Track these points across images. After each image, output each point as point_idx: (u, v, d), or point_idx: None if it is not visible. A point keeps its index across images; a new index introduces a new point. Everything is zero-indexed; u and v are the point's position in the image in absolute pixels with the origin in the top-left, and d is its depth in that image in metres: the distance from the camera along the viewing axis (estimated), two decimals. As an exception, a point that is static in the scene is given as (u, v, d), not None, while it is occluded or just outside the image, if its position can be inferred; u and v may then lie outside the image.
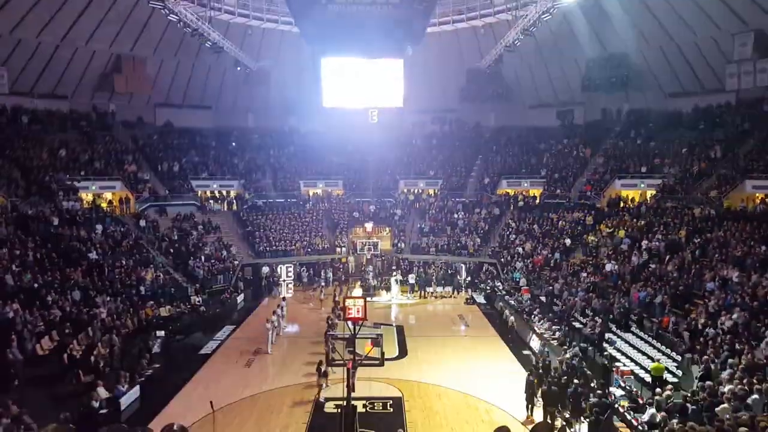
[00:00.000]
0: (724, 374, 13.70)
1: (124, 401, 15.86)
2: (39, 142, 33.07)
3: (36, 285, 21.11)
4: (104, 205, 32.04)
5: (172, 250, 30.78)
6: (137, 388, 16.71)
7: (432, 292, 30.76)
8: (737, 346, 14.93)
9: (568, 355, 17.36)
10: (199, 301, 26.32)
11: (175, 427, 5.00)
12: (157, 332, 21.95)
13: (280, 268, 33.10)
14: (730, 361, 14.30)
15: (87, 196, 32.28)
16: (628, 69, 36.42)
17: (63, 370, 17.01)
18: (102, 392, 15.23)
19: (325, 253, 35.40)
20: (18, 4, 29.52)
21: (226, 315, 26.38)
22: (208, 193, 38.85)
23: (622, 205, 32.41)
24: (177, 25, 28.13)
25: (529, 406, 15.15)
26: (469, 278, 31.93)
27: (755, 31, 29.75)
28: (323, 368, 16.52)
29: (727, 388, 12.62)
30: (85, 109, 37.90)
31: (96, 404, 14.70)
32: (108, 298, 22.57)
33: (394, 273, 31.64)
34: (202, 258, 30.79)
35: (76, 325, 19.43)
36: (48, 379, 16.56)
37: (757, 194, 26.89)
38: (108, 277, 24.54)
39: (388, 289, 30.61)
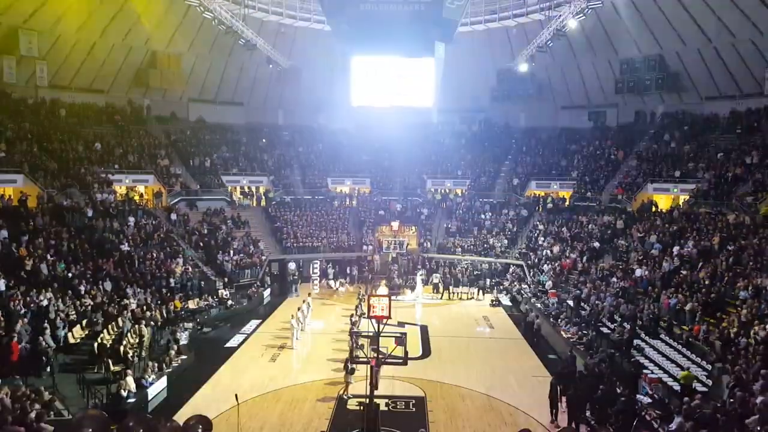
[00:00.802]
0: (756, 385, 13.34)
1: (152, 391, 16.23)
2: (75, 134, 33.96)
3: (69, 274, 21.68)
4: (137, 197, 32.69)
5: (201, 244, 31.28)
6: (164, 378, 17.06)
7: (457, 293, 30.64)
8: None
9: (595, 361, 17.12)
10: (226, 295, 26.73)
11: (196, 420, 5.09)
12: (185, 324, 22.37)
13: (311, 264, 33.32)
14: (762, 371, 13.92)
15: (120, 189, 33.05)
16: (663, 71, 35.82)
17: (93, 358, 17.45)
18: (130, 382, 15.58)
19: (351, 250, 35.56)
20: (58, 2, 30.34)
21: (252, 309, 26.71)
22: (238, 189, 39.39)
23: (654, 209, 31.77)
24: (212, 22, 28.51)
25: (554, 411, 14.99)
26: (495, 280, 31.69)
27: (797, 33, 28.93)
28: (350, 366, 16.59)
29: (758, 399, 12.30)
30: (120, 103, 38.77)
31: (124, 393, 15.08)
32: (138, 290, 23.06)
33: (420, 272, 31.56)
34: (231, 252, 31.21)
35: (106, 315, 19.90)
36: (79, 367, 17.00)
37: (795, 201, 26.08)
38: (139, 269, 25.07)
39: (412, 288, 30.57)
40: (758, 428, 10.49)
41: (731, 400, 13.03)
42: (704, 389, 15.19)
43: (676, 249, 24.78)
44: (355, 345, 17.75)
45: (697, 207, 29.17)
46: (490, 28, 35.80)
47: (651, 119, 39.81)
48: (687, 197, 31.21)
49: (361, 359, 15.02)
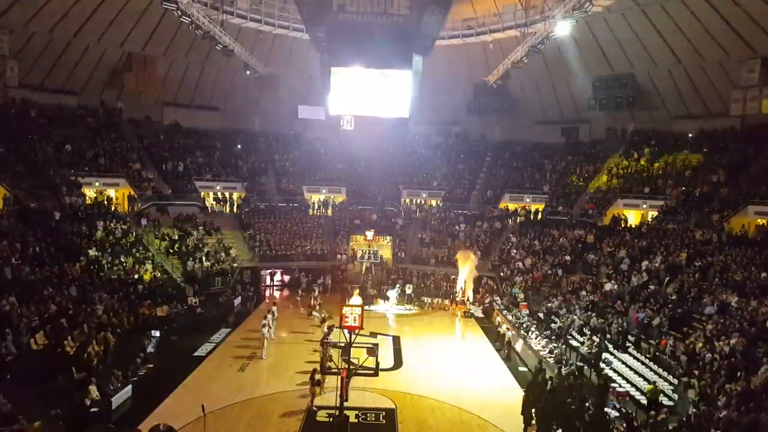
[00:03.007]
0: (721, 400, 13.62)
1: (116, 400, 15.83)
2: (45, 136, 33.18)
3: (33, 278, 21.10)
4: (105, 202, 32.03)
5: (171, 250, 30.78)
6: (129, 387, 16.69)
7: (430, 304, 30.68)
8: (735, 372, 14.84)
9: (564, 373, 17.28)
10: (196, 303, 26.30)
11: (161, 428, 4.96)
12: (153, 332, 21.93)
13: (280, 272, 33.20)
14: (726, 386, 14.22)
15: (90, 192, 32.38)
16: (634, 89, 36.66)
17: (56, 366, 16.96)
18: (94, 390, 15.19)
19: (325, 259, 35.38)
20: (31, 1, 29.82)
21: (222, 317, 26.30)
22: (211, 195, 38.93)
23: (623, 224, 32.38)
24: (189, 27, 28.27)
25: (525, 425, 15.03)
26: (468, 292, 31.84)
27: (763, 58, 29.84)
28: (317, 377, 16.45)
29: (722, 414, 12.56)
30: (93, 105, 38.07)
31: (87, 402, 14.68)
32: (105, 296, 22.53)
33: (394, 283, 31.52)
34: (202, 259, 30.78)
35: (71, 322, 19.39)
36: (41, 375, 16.46)
37: (759, 220, 26.85)
38: (106, 274, 24.53)
39: (386, 298, 30.53)
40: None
41: (696, 414, 13.28)
42: (670, 403, 15.45)
43: (644, 264, 25.27)
44: (325, 355, 17.63)
45: (665, 223, 29.83)
46: (468, 43, 36.19)
47: (622, 136, 40.67)
48: (656, 213, 31.91)
49: (332, 370, 14.91)
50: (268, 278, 33.46)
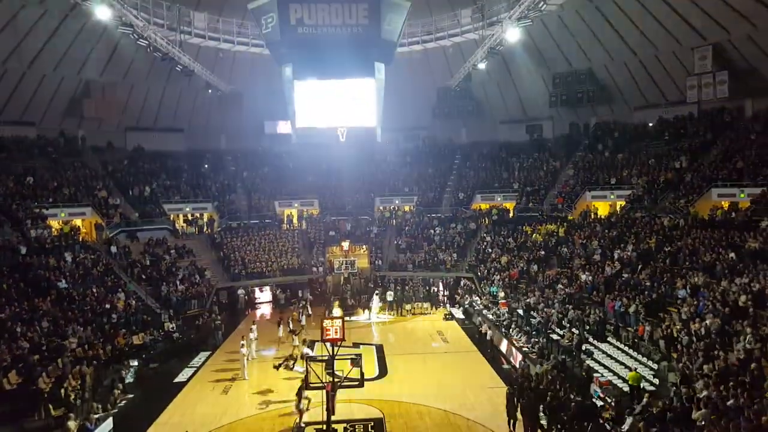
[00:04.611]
0: (700, 382, 13.88)
1: (97, 435, 15.40)
2: (5, 169, 32.33)
3: (2, 316, 20.48)
4: (71, 232, 31.30)
5: (144, 276, 30.21)
6: (110, 420, 16.23)
7: (410, 309, 30.70)
8: (712, 352, 15.15)
9: (546, 367, 17.44)
10: (173, 328, 25.82)
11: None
12: (131, 361, 21.43)
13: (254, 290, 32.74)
14: (705, 367, 14.51)
15: (56, 224, 31.64)
16: (593, 84, 37.53)
17: (32, 404, 16.46)
18: (74, 426, 14.75)
19: (302, 273, 35.15)
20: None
21: (201, 341, 25.83)
22: (181, 217, 38.39)
23: (593, 216, 32.94)
24: (147, 49, 27.92)
25: (511, 421, 15.13)
26: (447, 294, 31.97)
27: (713, 44, 30.83)
28: (304, 393, 16.22)
29: (703, 394, 12.80)
30: (53, 135, 37.30)
31: (68, 439, 14.27)
32: (78, 328, 21.96)
33: (376, 291, 31.40)
34: (176, 283, 30.26)
35: (45, 357, 18.85)
36: (16, 415, 15.98)
37: (723, 202, 27.58)
38: (78, 306, 23.94)
39: (366, 308, 30.42)
40: (703, 422, 10.89)
41: (678, 396, 13.51)
42: (652, 388, 15.70)
43: (616, 253, 25.70)
44: (308, 371, 17.41)
45: (633, 212, 30.43)
46: (428, 48, 36.55)
47: (585, 130, 41.47)
48: (623, 203, 32.54)
49: (315, 385, 14.71)
50: (244, 298, 32.99)
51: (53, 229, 30.68)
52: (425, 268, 34.57)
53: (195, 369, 22.00)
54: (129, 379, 20.01)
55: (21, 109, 35.42)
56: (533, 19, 26.89)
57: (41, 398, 16.47)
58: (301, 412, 16.06)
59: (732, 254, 20.67)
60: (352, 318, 29.03)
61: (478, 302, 29.47)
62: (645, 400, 13.91)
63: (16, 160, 33.85)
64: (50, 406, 16.02)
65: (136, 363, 21.45)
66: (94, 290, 25.82)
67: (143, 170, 39.68)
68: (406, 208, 41.93)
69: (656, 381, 16.27)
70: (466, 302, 30.38)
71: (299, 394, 16.17)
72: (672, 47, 32.78)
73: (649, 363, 17.44)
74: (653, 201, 30.55)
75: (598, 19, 33.14)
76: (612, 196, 34.16)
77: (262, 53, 34.20)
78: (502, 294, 28.62)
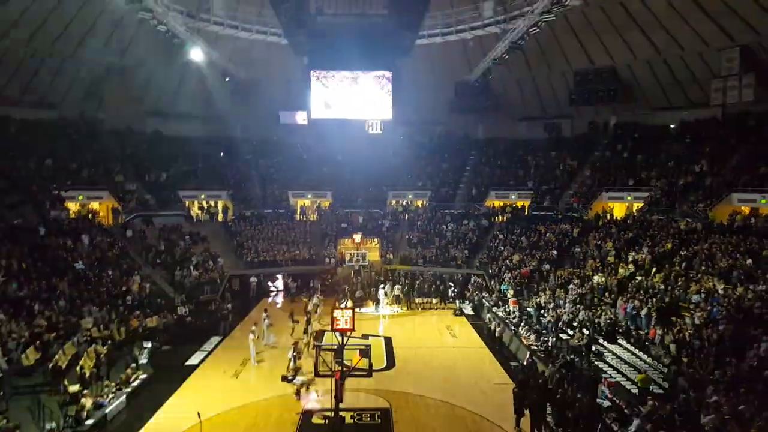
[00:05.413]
0: (710, 387, 13.80)
1: (111, 412, 15.74)
2: (26, 151, 32.81)
3: (22, 294, 20.89)
4: (89, 215, 31.74)
5: (158, 261, 30.57)
6: (124, 398, 16.60)
7: (420, 303, 30.73)
8: (724, 358, 15.04)
9: (555, 367, 17.41)
10: (185, 312, 26.13)
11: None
12: (144, 343, 21.76)
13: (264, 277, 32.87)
14: (716, 372, 14.42)
15: (74, 206, 32.06)
16: (615, 83, 36.95)
17: (49, 380, 16.80)
18: (88, 403, 15.10)
19: (313, 264, 35.30)
20: (5, 13, 29.49)
21: (212, 326, 26.12)
22: (196, 204, 38.70)
23: (609, 217, 32.69)
24: (165, 35, 28.10)
25: (518, 418, 15.14)
26: (456, 290, 31.95)
27: (741, 46, 30.28)
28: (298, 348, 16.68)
29: (713, 399, 12.73)
30: (73, 117, 37.69)
31: (83, 415, 14.61)
32: (94, 308, 22.35)
33: (383, 285, 31.53)
34: (190, 269, 30.59)
35: (61, 335, 19.21)
36: (34, 390, 16.34)
37: (743, 207, 27.24)
38: (94, 287, 24.32)
39: (376, 300, 30.52)
40: (711, 426, 10.83)
41: (687, 400, 13.44)
42: (661, 391, 15.63)
43: (631, 255, 25.52)
44: (318, 358, 17.61)
45: (650, 214, 30.15)
46: (447, 41, 36.30)
47: (604, 130, 41.05)
48: (640, 205, 32.24)
49: (325, 373, 14.86)
50: (256, 286, 33.22)
51: (71, 212, 31.12)
52: (436, 264, 34.54)
53: (206, 353, 22.29)
54: (142, 360, 20.31)
55: (43, 91, 35.85)
56: (557, 14, 26.64)
57: (58, 375, 16.78)
58: (294, 371, 17.20)
59: (749, 260, 20.45)
60: (362, 310, 29.11)
61: (488, 299, 29.43)
62: (649, 403, 13.84)
63: (37, 141, 34.28)
64: (66, 382, 16.33)
65: (149, 345, 21.76)
66: (110, 273, 26.19)
67: (160, 155, 40.02)
68: (419, 203, 41.86)
69: (665, 384, 16.19)
70: (476, 299, 30.36)
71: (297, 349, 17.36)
72: (698, 48, 32.22)
73: (659, 366, 17.35)
74: (671, 204, 30.24)
75: (623, 17, 32.65)
76: (629, 198, 33.83)
77: (279, 42, 34.22)
78: (512, 292, 28.56)
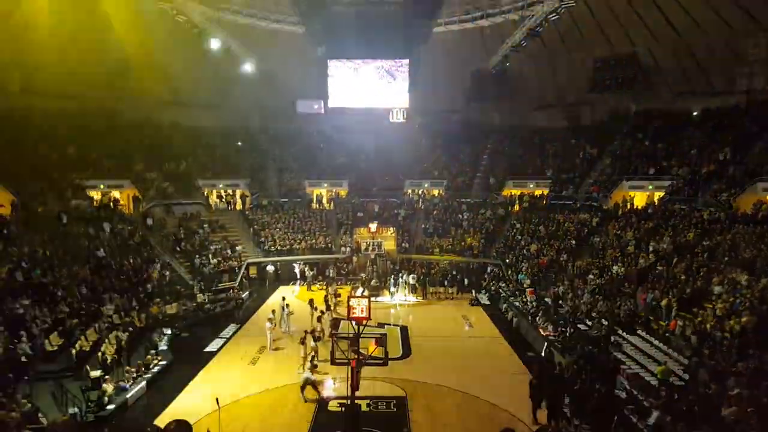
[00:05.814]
0: (732, 379, 13.60)
1: (132, 398, 16.04)
2: (50, 140, 33.25)
3: (45, 281, 21.25)
4: (111, 204, 32.16)
5: (178, 249, 30.92)
6: (144, 383, 16.88)
7: (435, 293, 30.70)
8: (747, 350, 14.81)
9: (573, 357, 17.29)
10: (204, 299, 26.44)
11: (172, 426, 4.99)
12: (164, 329, 22.10)
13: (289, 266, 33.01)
14: (738, 364, 14.20)
15: (96, 195, 32.51)
16: (636, 69, 36.15)
17: (72, 365, 17.14)
18: (110, 388, 15.39)
19: (329, 252, 35.44)
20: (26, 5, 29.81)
21: (231, 313, 26.42)
22: (215, 192, 39.01)
23: (629, 206, 32.23)
24: (185, 25, 28.19)
25: (534, 409, 15.08)
26: (473, 279, 31.82)
27: (768, 31, 29.51)
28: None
29: (734, 392, 12.54)
30: (94, 108, 38.06)
31: (105, 399, 14.90)
32: (115, 295, 22.70)
33: (399, 273, 31.54)
34: (209, 256, 30.90)
35: (83, 322, 19.56)
36: (57, 375, 16.67)
37: (768, 197, 26.66)
38: (115, 275, 24.68)
39: (391, 289, 30.54)
40: (732, 418, 10.68)
41: (708, 392, 13.27)
42: (681, 383, 15.44)
43: (651, 245, 25.16)
44: (335, 347, 17.68)
45: (671, 204, 29.67)
46: (465, 29, 35.92)
47: (625, 117, 40.36)
48: (662, 194, 31.72)
49: (341, 361, 14.92)
50: (273, 273, 33.45)
51: (93, 200, 31.57)
52: (452, 253, 34.43)
53: (225, 340, 22.53)
54: (162, 347, 20.61)
55: (64, 82, 36.17)
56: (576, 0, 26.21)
57: (80, 360, 17.09)
58: (306, 356, 17.89)
59: (773, 251, 20.04)
60: (378, 299, 29.16)
61: (505, 289, 29.30)
62: (664, 394, 13.68)
63: (59, 132, 34.71)
64: (88, 368, 16.63)
65: (168, 331, 22.09)
66: (131, 260, 26.55)
67: (179, 145, 40.32)
68: (435, 192, 41.70)
69: (686, 376, 15.99)
70: (493, 288, 30.23)
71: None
72: (723, 32, 31.34)
73: (679, 358, 17.13)
74: (693, 193, 29.71)
75: (644, 1, 31.94)
76: (650, 187, 33.20)
77: (296, 31, 34.16)
78: (528, 282, 28.38)
